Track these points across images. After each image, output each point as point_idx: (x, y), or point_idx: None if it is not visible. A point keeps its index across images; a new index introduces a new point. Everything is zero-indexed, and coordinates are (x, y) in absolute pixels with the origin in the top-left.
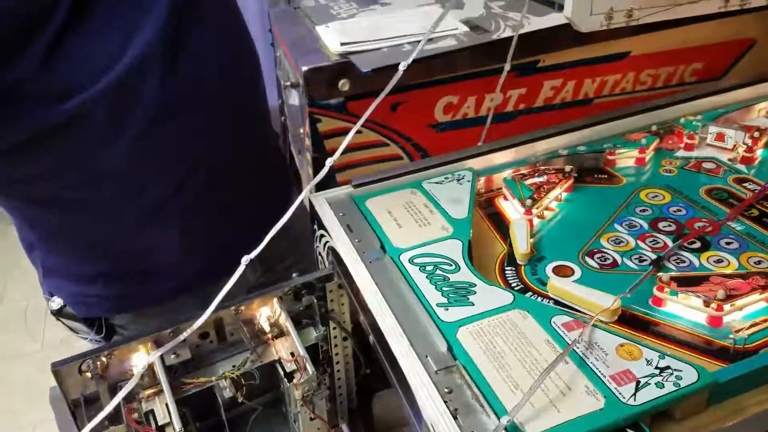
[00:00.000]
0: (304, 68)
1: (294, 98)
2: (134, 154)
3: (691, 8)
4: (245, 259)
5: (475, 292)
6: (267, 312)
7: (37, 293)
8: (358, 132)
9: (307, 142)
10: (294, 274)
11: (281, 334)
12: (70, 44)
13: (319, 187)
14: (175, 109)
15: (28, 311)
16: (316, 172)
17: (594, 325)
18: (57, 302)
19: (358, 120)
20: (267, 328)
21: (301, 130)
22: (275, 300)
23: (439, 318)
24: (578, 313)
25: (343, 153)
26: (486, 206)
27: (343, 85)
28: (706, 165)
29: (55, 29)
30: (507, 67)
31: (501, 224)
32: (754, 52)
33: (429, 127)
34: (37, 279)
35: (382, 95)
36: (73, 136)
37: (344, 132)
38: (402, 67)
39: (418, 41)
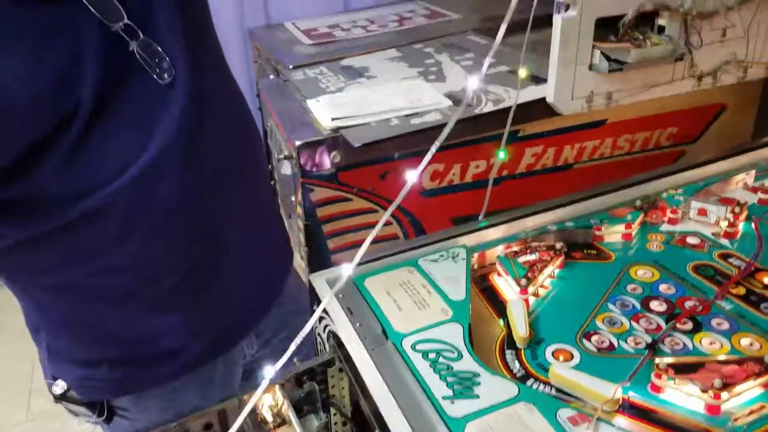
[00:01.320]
0: (298, 142)
1: (286, 168)
2: (148, 246)
3: (666, 89)
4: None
5: (480, 383)
6: (269, 401)
7: (22, 358)
8: (348, 200)
9: (299, 210)
10: (295, 360)
11: (283, 422)
12: (88, 148)
13: (313, 256)
14: (190, 200)
15: (13, 379)
16: (308, 240)
17: (598, 419)
18: (61, 386)
19: (349, 189)
20: (269, 418)
21: (293, 198)
22: (277, 387)
23: (446, 413)
24: (581, 403)
25: (334, 220)
26: (480, 281)
27: (335, 157)
28: (691, 240)
29: (75, 136)
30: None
31: (497, 302)
32: (725, 116)
33: (417, 193)
34: (22, 344)
35: (423, 164)
36: (88, 231)
37: (336, 201)
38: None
39: (405, 115)
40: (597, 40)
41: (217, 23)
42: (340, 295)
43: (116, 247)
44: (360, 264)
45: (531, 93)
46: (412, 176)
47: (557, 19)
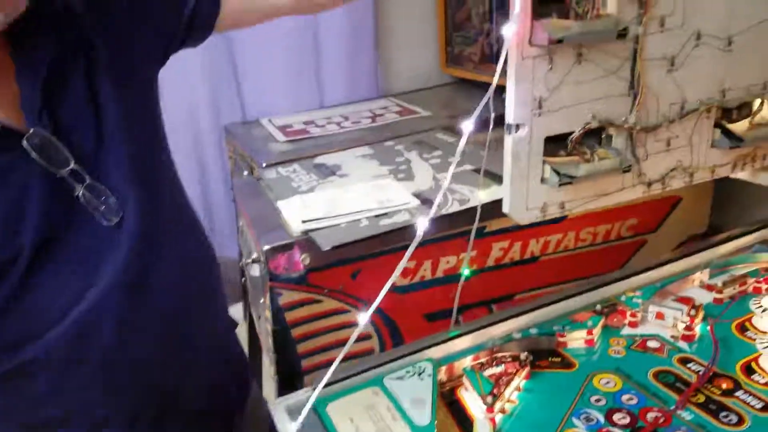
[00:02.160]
0: (266, 246)
1: (255, 270)
2: (87, 397)
3: (616, 196)
4: None
5: None
6: None
7: None
8: (319, 301)
9: (268, 313)
10: None
11: None
12: (27, 296)
13: (282, 362)
14: (134, 347)
15: None
16: (276, 345)
17: None
18: None
19: (319, 290)
20: None
21: (262, 301)
22: None
23: None
24: None
25: (304, 323)
26: (448, 395)
27: (305, 259)
28: (651, 344)
29: (14, 284)
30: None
31: (464, 419)
32: (681, 207)
33: (389, 291)
34: None
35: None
36: (24, 381)
37: (306, 303)
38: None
39: (375, 216)
40: (547, 155)
41: (194, 119)
42: (300, 426)
43: (54, 397)
44: (325, 386)
45: (494, 193)
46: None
47: (508, 139)
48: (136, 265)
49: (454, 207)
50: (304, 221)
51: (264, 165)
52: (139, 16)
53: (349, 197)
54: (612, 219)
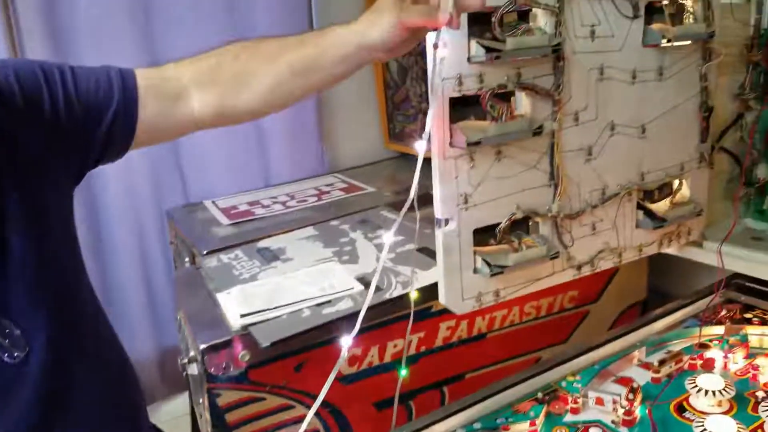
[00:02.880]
0: (203, 345)
1: (193, 369)
2: None
3: (548, 281)
4: None
5: None
6: None
7: None
8: (261, 399)
9: (207, 415)
10: None
11: None
12: None
13: None
14: None
15: None
16: None
17: None
18: None
19: (261, 388)
20: None
21: (201, 400)
22: None
23: None
24: None
25: (246, 423)
26: None
27: (244, 356)
28: (593, 431)
29: None
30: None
31: None
32: (619, 277)
33: (336, 381)
34: None
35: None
36: None
37: (247, 402)
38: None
39: (318, 304)
40: (479, 245)
41: (135, 204)
42: None
43: None
44: None
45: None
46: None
47: (438, 233)
48: (45, 400)
49: (398, 290)
50: (243, 315)
51: (205, 252)
52: (50, 150)
53: (291, 285)
54: (554, 292)
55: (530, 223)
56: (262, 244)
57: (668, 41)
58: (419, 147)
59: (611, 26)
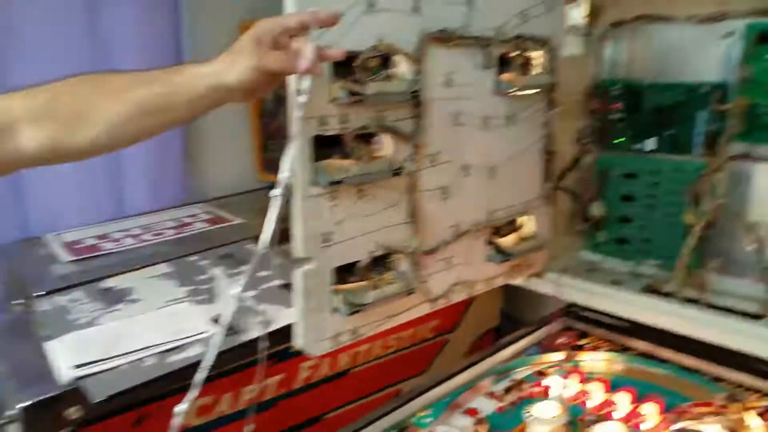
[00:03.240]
0: (23, 404)
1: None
2: None
3: (405, 315)
4: None
5: None
6: None
7: None
8: None
9: None
10: None
11: None
12: None
13: None
14: None
15: None
16: None
17: None
18: None
19: None
20: None
21: None
22: None
23: None
24: None
25: None
26: None
27: (72, 413)
28: None
29: None
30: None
31: None
32: (475, 305)
33: None
34: None
35: None
36: None
37: None
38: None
39: (163, 351)
40: (338, 283)
41: None
42: None
43: None
44: None
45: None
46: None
47: (297, 273)
48: None
49: (257, 331)
50: (76, 366)
51: (38, 294)
52: None
53: (135, 331)
54: (415, 323)
55: (390, 260)
56: (106, 283)
57: (516, 90)
58: (276, 189)
59: (466, 75)
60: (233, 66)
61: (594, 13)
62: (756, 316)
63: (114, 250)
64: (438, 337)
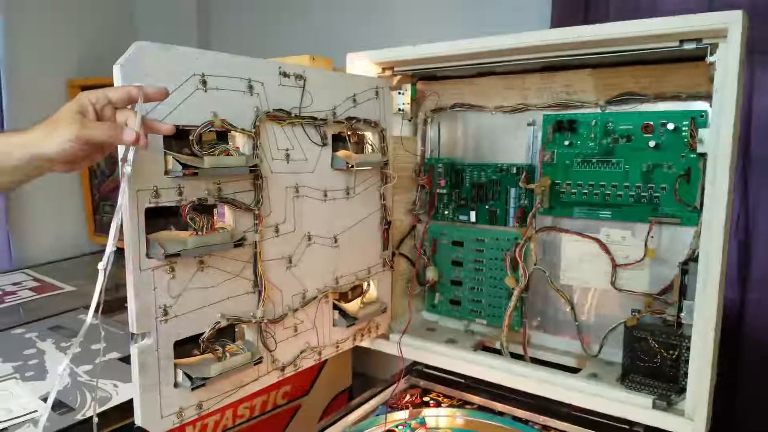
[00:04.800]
0: None
1: None
2: None
3: (253, 386)
4: None
5: None
6: None
7: None
8: None
9: None
10: None
11: None
12: None
13: None
14: None
15: None
16: None
17: None
18: None
19: None
20: None
21: None
22: None
23: None
24: None
25: None
26: None
27: None
28: None
29: None
30: None
31: None
32: (327, 367)
33: None
34: None
35: None
36: None
37: None
38: None
39: None
40: (180, 356)
41: None
42: None
43: None
44: None
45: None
46: None
47: (133, 349)
48: None
49: (92, 409)
50: None
51: None
52: None
53: None
54: (266, 390)
55: (236, 330)
56: None
57: (351, 166)
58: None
59: (304, 151)
60: (52, 136)
61: (417, 100)
62: (575, 370)
63: None
64: (291, 402)
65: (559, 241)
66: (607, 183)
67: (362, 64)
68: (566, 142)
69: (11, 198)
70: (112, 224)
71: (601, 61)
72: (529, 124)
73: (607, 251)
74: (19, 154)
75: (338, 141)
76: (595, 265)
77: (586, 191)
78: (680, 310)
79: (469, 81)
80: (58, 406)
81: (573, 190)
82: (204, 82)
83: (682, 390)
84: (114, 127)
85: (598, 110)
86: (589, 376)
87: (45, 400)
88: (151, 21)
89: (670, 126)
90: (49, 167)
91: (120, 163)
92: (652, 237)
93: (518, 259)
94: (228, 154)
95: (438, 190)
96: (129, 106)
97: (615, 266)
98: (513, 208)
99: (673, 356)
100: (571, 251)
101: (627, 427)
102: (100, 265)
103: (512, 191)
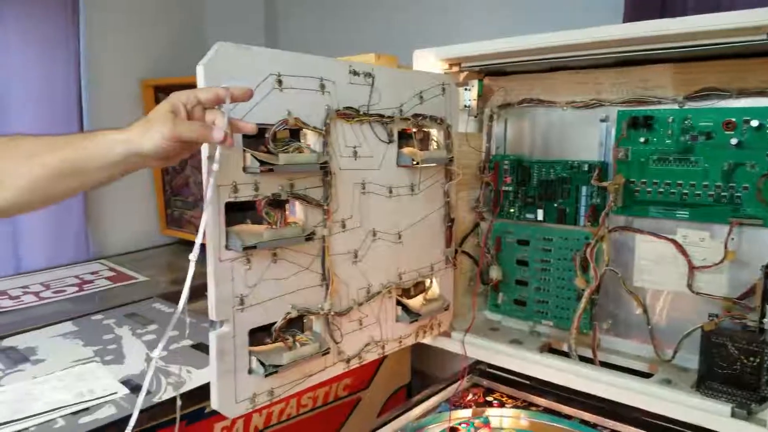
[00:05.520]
0: None
1: None
2: None
3: (320, 376)
4: None
5: None
6: None
7: None
8: None
9: None
10: None
11: None
12: None
13: None
14: None
15: None
16: None
17: None
18: None
19: None
20: None
21: None
22: None
23: None
24: None
25: None
26: None
27: None
28: None
29: None
30: None
31: None
32: (386, 363)
33: None
34: None
35: None
36: None
37: None
38: None
39: (73, 412)
40: (253, 344)
41: None
42: None
43: None
44: None
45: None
46: None
47: (212, 336)
48: None
49: (169, 393)
50: None
51: None
52: None
53: (41, 392)
54: (328, 382)
55: (304, 321)
56: (7, 342)
57: (416, 163)
58: (192, 255)
59: (371, 148)
60: (147, 134)
61: (484, 96)
62: (646, 375)
63: (13, 308)
64: (352, 395)
65: (632, 241)
66: (684, 182)
67: (428, 61)
68: (641, 139)
69: (89, 193)
70: (202, 218)
71: (682, 55)
72: (602, 120)
73: (684, 253)
74: (119, 150)
75: (403, 138)
76: (670, 267)
77: (662, 190)
78: (763, 315)
79: (538, 76)
80: (137, 389)
81: (648, 189)
82: (280, 82)
83: (764, 399)
84: (204, 127)
85: (676, 106)
86: (663, 382)
87: (125, 383)
88: (220, 23)
89: (754, 123)
90: (143, 163)
91: (206, 161)
92: (733, 239)
93: (589, 259)
94: (300, 152)
95: (504, 188)
96: (216, 107)
97: (692, 268)
98: (584, 207)
99: (754, 363)
100: (644, 252)
101: None
102: (191, 256)
103: (583, 189)
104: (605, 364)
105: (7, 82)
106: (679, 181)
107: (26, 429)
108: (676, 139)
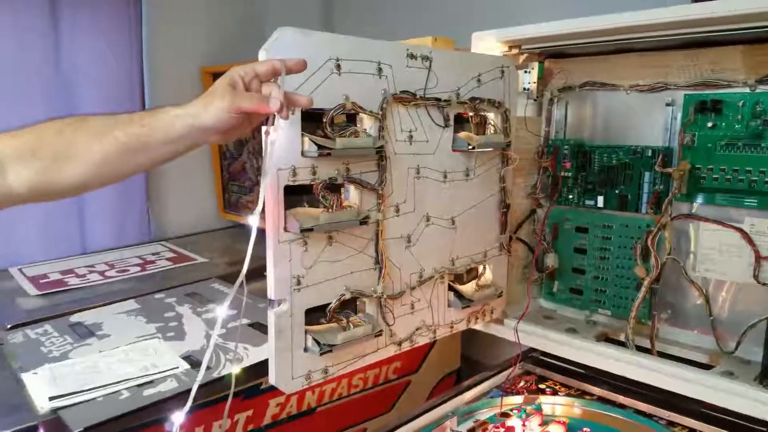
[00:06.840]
0: None
1: None
2: None
3: (373, 357)
4: None
5: None
6: None
7: None
8: None
9: None
10: None
11: None
12: None
13: None
14: None
15: None
16: None
17: None
18: None
19: None
20: None
21: None
22: None
23: None
24: None
25: None
26: None
27: None
28: None
29: None
30: None
31: None
32: (437, 348)
33: None
34: None
35: None
36: None
37: None
38: None
39: (137, 384)
40: (309, 324)
41: None
42: None
43: None
44: None
45: (265, 350)
46: None
47: (271, 314)
48: None
49: (227, 368)
50: (51, 398)
51: (8, 326)
52: None
53: (108, 364)
54: (379, 364)
55: (357, 303)
56: (75, 318)
57: (473, 148)
58: (252, 221)
59: (426, 133)
60: (209, 107)
61: (544, 79)
62: (706, 366)
63: (80, 286)
64: (401, 378)
65: (694, 229)
66: (753, 169)
67: (487, 43)
68: (709, 124)
69: (150, 178)
70: (260, 194)
71: (754, 36)
72: (667, 104)
73: (751, 242)
74: (181, 124)
75: (459, 122)
76: (735, 257)
77: (729, 177)
78: None
79: (602, 58)
80: (197, 365)
81: (715, 176)
82: (338, 66)
83: None
84: (261, 98)
85: (747, 90)
86: (724, 374)
87: (186, 358)
88: (278, 11)
89: None
90: (205, 137)
91: (264, 136)
92: None
93: (650, 247)
94: (356, 136)
95: (562, 173)
96: (273, 80)
97: (759, 258)
98: (647, 194)
99: None
100: (708, 241)
101: (765, 429)
102: (251, 218)
103: (646, 175)
104: (663, 355)
105: (75, 69)
106: (748, 168)
107: (94, 399)
108: (746, 123)
